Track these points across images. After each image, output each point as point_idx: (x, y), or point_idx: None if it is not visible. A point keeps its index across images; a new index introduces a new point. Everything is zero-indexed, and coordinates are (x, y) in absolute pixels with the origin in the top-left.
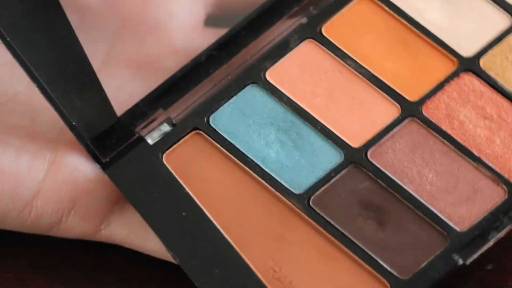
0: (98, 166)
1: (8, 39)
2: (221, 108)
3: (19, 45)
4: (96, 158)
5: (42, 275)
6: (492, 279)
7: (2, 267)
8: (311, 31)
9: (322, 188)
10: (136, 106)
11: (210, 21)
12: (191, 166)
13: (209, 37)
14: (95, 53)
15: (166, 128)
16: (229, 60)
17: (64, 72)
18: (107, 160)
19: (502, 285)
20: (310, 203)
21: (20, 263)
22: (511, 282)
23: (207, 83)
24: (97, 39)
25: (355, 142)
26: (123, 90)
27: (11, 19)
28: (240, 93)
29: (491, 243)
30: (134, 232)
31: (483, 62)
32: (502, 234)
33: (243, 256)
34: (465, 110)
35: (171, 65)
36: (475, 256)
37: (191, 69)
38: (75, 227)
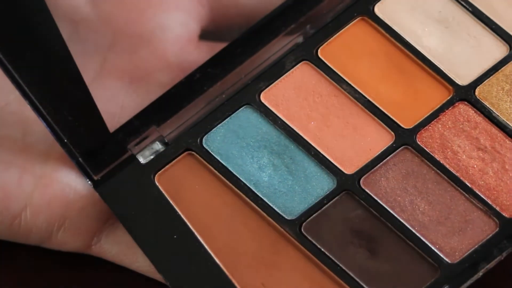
0: (90, 183)
1: None
2: (214, 129)
3: (10, 60)
4: (87, 175)
5: (44, 276)
6: (492, 280)
7: (5, 267)
8: (307, 53)
9: (314, 215)
10: (129, 122)
11: (205, 35)
12: (183, 187)
13: (203, 51)
14: (88, 65)
15: (158, 146)
16: (224, 78)
17: (55, 88)
18: (99, 178)
19: (502, 286)
20: (302, 230)
21: (22, 263)
22: (511, 284)
23: (201, 101)
24: (91, 51)
25: (348, 168)
26: (115, 103)
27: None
28: (234, 115)
29: (480, 274)
30: (124, 252)
31: (478, 92)
32: (491, 265)
33: (233, 281)
34: (459, 140)
35: (164, 79)
36: (465, 286)
37: (185, 86)
38: (66, 242)
